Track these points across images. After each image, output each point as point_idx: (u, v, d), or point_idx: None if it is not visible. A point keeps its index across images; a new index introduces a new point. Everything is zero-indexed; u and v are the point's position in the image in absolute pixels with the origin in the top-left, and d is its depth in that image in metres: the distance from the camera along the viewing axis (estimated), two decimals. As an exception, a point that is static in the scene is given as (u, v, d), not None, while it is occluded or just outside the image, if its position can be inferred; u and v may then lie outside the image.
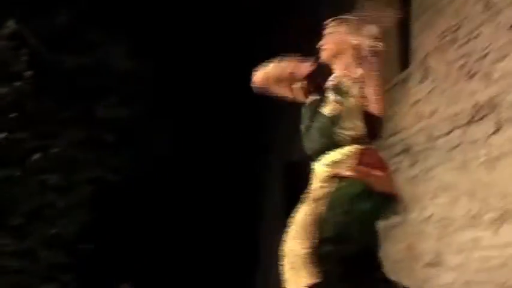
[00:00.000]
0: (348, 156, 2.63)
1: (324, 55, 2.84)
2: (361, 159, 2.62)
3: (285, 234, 2.72)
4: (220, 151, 11.58)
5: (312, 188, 2.74)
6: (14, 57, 6.87)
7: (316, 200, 2.67)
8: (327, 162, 2.68)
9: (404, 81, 5.84)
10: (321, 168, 2.71)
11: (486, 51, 4.49)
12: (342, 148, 2.66)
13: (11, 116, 6.76)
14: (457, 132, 4.82)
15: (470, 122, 4.64)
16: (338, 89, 2.73)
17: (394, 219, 5.71)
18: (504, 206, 4.13)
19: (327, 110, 2.72)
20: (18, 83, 6.74)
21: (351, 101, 2.68)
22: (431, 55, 5.34)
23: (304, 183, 2.88)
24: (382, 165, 2.66)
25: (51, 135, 7.21)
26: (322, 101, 2.76)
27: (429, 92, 5.33)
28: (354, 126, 2.66)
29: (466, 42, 4.78)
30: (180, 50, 10.70)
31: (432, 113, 5.24)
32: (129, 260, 10.13)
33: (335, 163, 2.66)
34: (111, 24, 7.85)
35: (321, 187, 2.67)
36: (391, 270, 5.85)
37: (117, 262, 9.52)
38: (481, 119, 4.50)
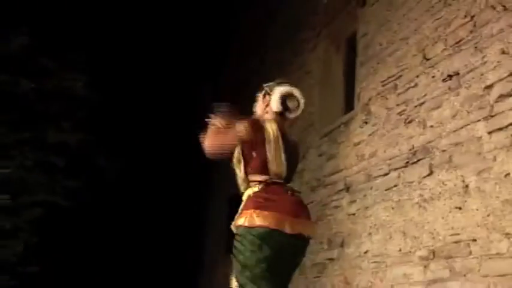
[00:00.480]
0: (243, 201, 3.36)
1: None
2: (244, 205, 3.32)
3: None
4: (168, 181, 11.60)
5: None
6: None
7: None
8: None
9: (348, 123, 5.99)
10: None
11: (422, 100, 4.72)
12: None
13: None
14: (394, 174, 4.99)
15: (406, 165, 4.82)
16: None
17: (333, 254, 5.87)
18: (433, 245, 4.31)
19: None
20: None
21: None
22: (373, 101, 5.52)
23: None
24: (261, 205, 3.24)
25: (2, 157, 7.11)
26: None
27: (370, 135, 5.49)
28: (240, 169, 3.38)
29: (405, 91, 5.00)
30: (132, 84, 10.80)
31: (372, 155, 5.40)
32: (75, 282, 9.97)
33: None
34: (68, 52, 7.84)
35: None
36: (327, 302, 5.98)
37: (61, 284, 9.36)
38: (416, 162, 4.68)
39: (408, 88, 4.97)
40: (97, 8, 10.00)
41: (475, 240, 3.91)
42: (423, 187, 4.55)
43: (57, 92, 7.72)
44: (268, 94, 3.49)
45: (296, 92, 3.47)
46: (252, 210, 3.21)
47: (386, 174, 5.11)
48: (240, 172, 3.39)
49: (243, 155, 3.35)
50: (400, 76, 5.12)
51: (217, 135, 3.37)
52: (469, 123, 4.12)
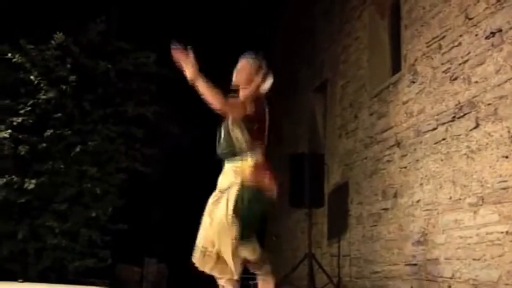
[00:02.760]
0: (245, 166, 3.36)
1: (236, 84, 3.55)
2: (253, 169, 3.34)
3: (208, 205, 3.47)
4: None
5: (221, 180, 3.49)
6: (61, 64, 7.04)
7: (226, 189, 3.39)
8: (234, 167, 3.40)
9: (396, 83, 5.87)
10: (229, 169, 3.44)
11: (466, 57, 4.55)
12: (241, 157, 3.38)
13: (55, 115, 6.92)
14: (441, 128, 4.87)
15: (453, 119, 4.69)
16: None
17: (387, 204, 5.82)
18: (481, 192, 4.21)
19: (225, 131, 3.48)
20: (63, 87, 6.90)
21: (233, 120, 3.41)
22: (419, 61, 5.38)
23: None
24: (265, 172, 3.39)
25: (89, 131, 7.33)
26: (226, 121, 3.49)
27: (417, 93, 5.36)
28: (240, 137, 3.38)
29: (449, 50, 4.83)
30: (199, 57, 10.81)
31: (420, 112, 5.28)
32: (155, 239, 10.26)
33: (238, 169, 3.38)
34: (139, 35, 7.93)
35: (230, 182, 3.40)
36: (385, 247, 5.97)
37: (144, 240, 9.66)
38: (462, 116, 4.55)
39: (452, 47, 4.80)
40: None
41: (522, 186, 3.79)
42: (470, 139, 4.43)
43: (133, 70, 7.85)
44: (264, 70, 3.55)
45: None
46: (267, 175, 3.43)
47: (434, 129, 4.99)
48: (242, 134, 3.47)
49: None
50: (444, 36, 4.94)
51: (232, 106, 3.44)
52: (513, 77, 3.95)
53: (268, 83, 3.51)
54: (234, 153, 3.41)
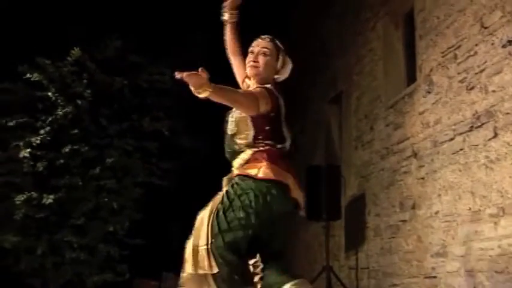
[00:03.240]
0: (243, 160, 2.73)
1: (252, 73, 2.84)
2: (251, 158, 2.68)
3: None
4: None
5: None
6: (77, 80, 7.08)
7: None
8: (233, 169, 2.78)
9: (412, 94, 5.80)
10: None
11: (483, 67, 4.48)
12: (241, 154, 2.74)
13: (72, 131, 6.95)
14: (459, 138, 4.80)
15: (470, 129, 4.62)
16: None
17: (405, 216, 5.73)
18: (502, 203, 4.12)
19: (229, 128, 2.81)
20: (79, 102, 6.93)
21: (238, 115, 2.76)
22: (434, 71, 5.31)
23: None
24: (272, 160, 2.66)
25: (105, 145, 7.34)
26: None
27: (433, 103, 5.29)
28: (245, 136, 2.73)
29: (465, 59, 4.76)
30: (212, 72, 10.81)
31: (437, 122, 5.22)
32: (172, 253, 10.23)
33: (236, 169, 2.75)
34: (154, 50, 7.96)
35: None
36: (403, 259, 5.88)
37: (162, 254, 9.63)
38: (480, 126, 4.47)
39: (468, 57, 4.73)
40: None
41: (543, 196, 3.69)
42: (489, 149, 4.34)
43: (148, 86, 7.86)
44: (283, 55, 2.86)
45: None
46: (275, 164, 2.78)
47: (451, 139, 4.91)
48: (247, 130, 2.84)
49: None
50: (460, 46, 4.87)
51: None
52: (532, 86, 3.88)
53: (288, 70, 2.86)
54: (235, 154, 2.77)
